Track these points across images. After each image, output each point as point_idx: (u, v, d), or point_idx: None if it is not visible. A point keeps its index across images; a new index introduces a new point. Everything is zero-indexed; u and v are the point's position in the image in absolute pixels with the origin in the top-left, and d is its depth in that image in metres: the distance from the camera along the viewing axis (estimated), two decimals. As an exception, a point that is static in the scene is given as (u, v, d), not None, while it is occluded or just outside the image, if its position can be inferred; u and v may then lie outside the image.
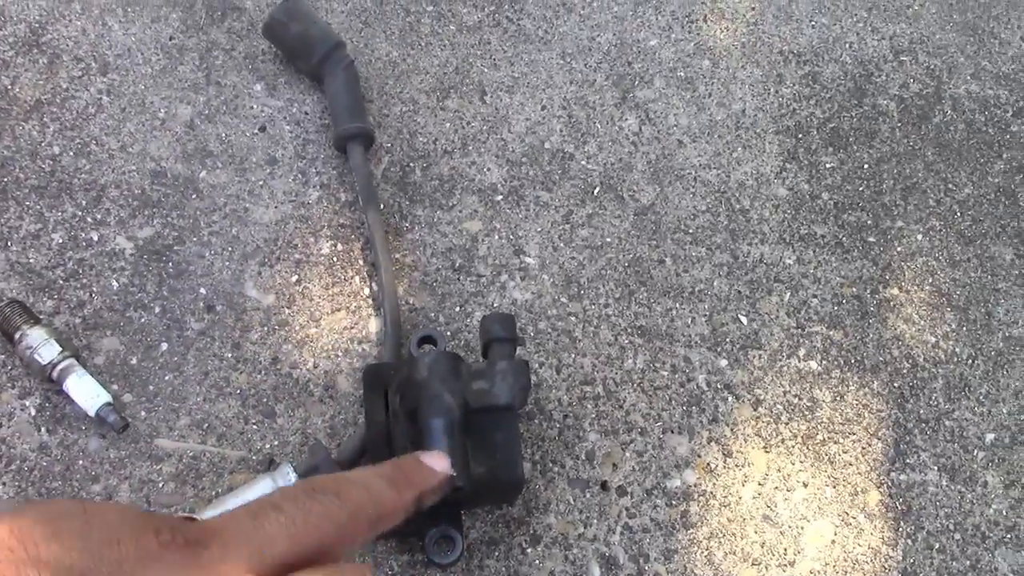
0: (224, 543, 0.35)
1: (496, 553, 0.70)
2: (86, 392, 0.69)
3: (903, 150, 0.93)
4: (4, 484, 0.68)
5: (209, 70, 0.88)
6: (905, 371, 0.81)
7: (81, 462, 0.70)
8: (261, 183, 0.83)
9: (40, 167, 0.80)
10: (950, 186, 0.91)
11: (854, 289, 0.84)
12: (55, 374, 0.70)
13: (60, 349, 0.70)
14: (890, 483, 0.76)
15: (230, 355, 0.75)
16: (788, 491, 0.75)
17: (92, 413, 0.69)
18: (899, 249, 0.87)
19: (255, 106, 0.87)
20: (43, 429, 0.70)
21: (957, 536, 0.75)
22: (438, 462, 0.55)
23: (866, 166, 0.91)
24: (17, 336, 0.70)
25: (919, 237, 0.88)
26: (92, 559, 0.32)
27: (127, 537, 0.33)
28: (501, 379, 0.66)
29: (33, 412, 0.71)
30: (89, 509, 0.34)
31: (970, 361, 0.82)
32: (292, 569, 0.37)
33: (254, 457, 0.71)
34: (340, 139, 0.82)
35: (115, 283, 0.77)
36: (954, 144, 0.94)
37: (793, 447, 0.77)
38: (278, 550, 0.37)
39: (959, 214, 0.90)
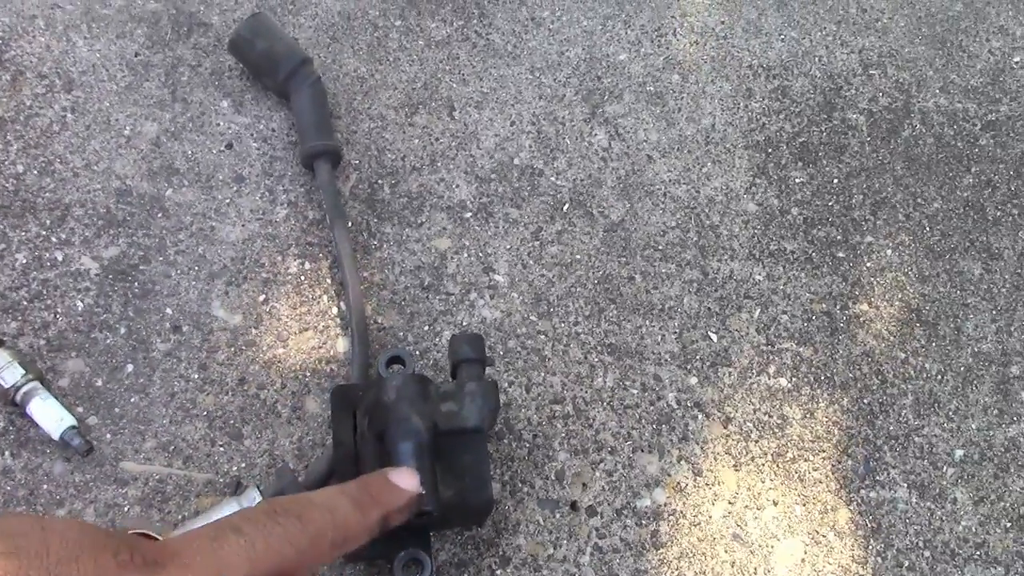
0: (183, 565, 0.35)
1: (465, 575, 0.69)
2: (50, 415, 0.68)
3: (872, 164, 0.93)
4: (-35, 510, 0.67)
5: (175, 86, 0.87)
6: (875, 387, 0.81)
7: (46, 486, 0.69)
8: (228, 201, 0.82)
9: (3, 186, 0.79)
10: (919, 200, 0.92)
11: (824, 305, 0.84)
12: (18, 397, 0.69)
13: (23, 372, 0.69)
14: (860, 500, 0.76)
15: (197, 376, 0.74)
16: (758, 510, 0.75)
17: (56, 436, 0.68)
18: (869, 264, 0.87)
19: (222, 123, 0.86)
20: (6, 453, 0.69)
21: (927, 553, 0.75)
22: (406, 480, 0.55)
23: (836, 181, 0.92)
24: (-22, 360, 0.69)
25: (888, 252, 0.88)
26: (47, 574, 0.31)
27: (85, 556, 0.32)
28: (470, 401, 0.65)
29: (-5, 437, 0.70)
30: (47, 526, 0.33)
31: (939, 377, 0.83)
32: None
33: (221, 480, 0.71)
34: (307, 156, 0.82)
35: (80, 304, 0.76)
36: (923, 158, 0.94)
37: (763, 465, 0.77)
38: (238, 574, 0.36)
39: (928, 229, 0.90)
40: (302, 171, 0.84)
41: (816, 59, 1.00)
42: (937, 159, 0.95)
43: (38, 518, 0.34)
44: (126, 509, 0.69)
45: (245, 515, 0.41)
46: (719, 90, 0.96)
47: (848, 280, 0.86)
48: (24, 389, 0.69)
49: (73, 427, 0.68)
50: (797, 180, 0.91)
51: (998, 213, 0.92)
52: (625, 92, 0.94)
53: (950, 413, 0.81)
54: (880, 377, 0.82)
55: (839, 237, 0.88)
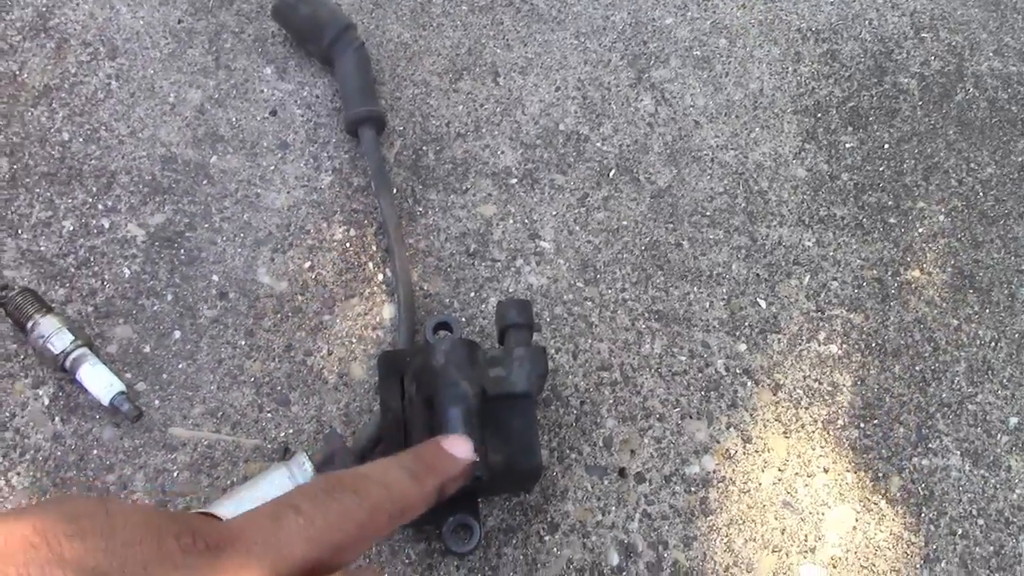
0: (244, 547, 0.35)
1: (514, 541, 0.69)
2: (99, 381, 0.69)
3: (924, 129, 0.91)
4: (19, 474, 0.68)
5: (219, 53, 0.87)
6: (927, 354, 0.80)
7: (95, 451, 0.69)
8: (272, 168, 0.82)
9: (50, 153, 0.80)
10: (972, 165, 0.90)
11: (875, 271, 0.83)
12: (68, 363, 0.69)
13: (72, 338, 0.69)
14: (912, 468, 0.75)
15: (243, 343, 0.74)
16: (808, 477, 0.74)
17: (106, 402, 0.68)
18: (920, 230, 0.86)
19: (265, 90, 0.85)
20: (57, 419, 0.70)
21: (980, 521, 0.73)
22: (460, 448, 0.54)
23: (886, 146, 0.90)
24: (29, 325, 0.69)
25: (941, 218, 0.87)
26: (115, 560, 0.31)
27: (149, 539, 0.32)
28: (518, 366, 0.65)
29: (47, 401, 0.70)
30: (112, 509, 0.33)
31: (993, 344, 0.81)
32: (312, 570, 0.37)
33: (269, 445, 0.71)
34: (351, 123, 0.81)
35: (127, 271, 0.76)
36: (976, 122, 0.92)
37: (813, 432, 0.76)
38: (298, 553, 0.36)
39: (981, 194, 0.88)
40: (346, 138, 0.84)
41: (866, 22, 0.98)
42: (991, 123, 0.93)
43: (103, 500, 0.34)
44: (175, 474, 0.69)
45: (303, 492, 0.41)
46: (767, 54, 0.94)
47: (899, 246, 0.85)
48: (73, 355, 0.69)
49: (122, 393, 0.69)
50: (847, 145, 0.90)
51: (1054, 178, 0.90)
52: (671, 57, 0.93)
53: (1004, 380, 0.79)
54: (932, 344, 0.80)
55: (890, 203, 0.87)
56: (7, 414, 0.69)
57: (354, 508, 0.40)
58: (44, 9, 0.86)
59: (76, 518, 0.32)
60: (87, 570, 0.30)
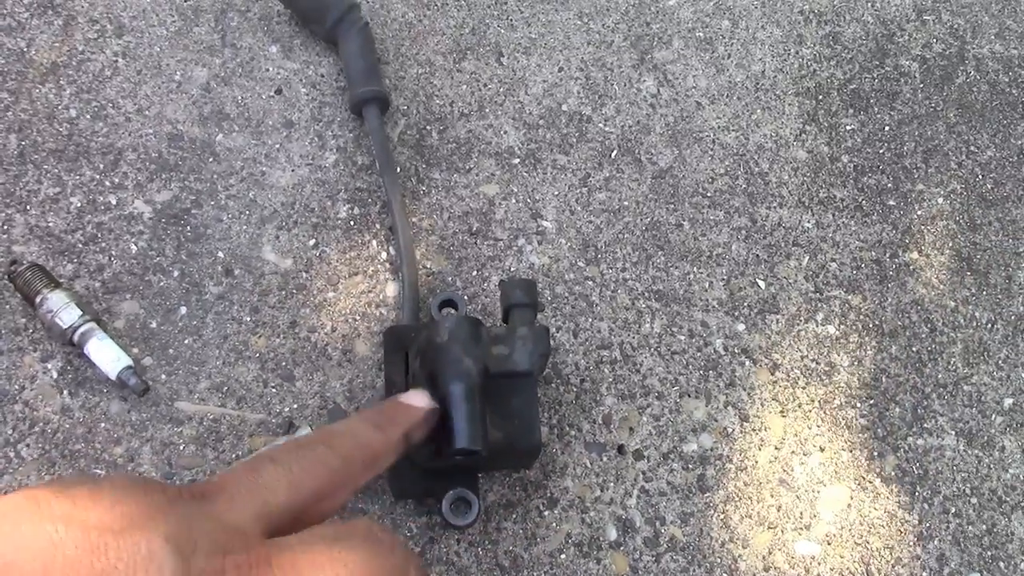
0: (229, 496, 0.38)
1: (513, 516, 0.70)
2: (107, 355, 0.70)
3: (925, 112, 0.92)
4: (28, 446, 0.69)
5: (224, 32, 0.87)
6: (924, 335, 0.81)
7: (103, 425, 0.70)
8: (278, 146, 0.83)
9: (57, 130, 0.80)
10: (972, 148, 0.90)
11: (873, 253, 0.84)
12: (76, 337, 0.70)
13: (81, 313, 0.70)
14: (907, 447, 0.76)
15: (249, 319, 0.75)
16: (805, 455, 0.75)
17: (113, 376, 0.69)
18: (919, 212, 0.86)
19: (271, 68, 0.86)
20: (65, 392, 0.71)
21: (973, 500, 0.75)
22: (418, 399, 0.58)
23: (887, 128, 0.91)
24: (38, 300, 0.70)
25: (940, 200, 0.87)
26: (105, 515, 0.33)
27: (136, 495, 0.34)
28: (521, 345, 0.66)
29: (55, 375, 0.71)
30: (98, 478, 0.35)
31: (989, 326, 0.82)
32: (297, 515, 0.40)
33: (273, 420, 0.72)
34: (356, 103, 0.82)
35: (134, 247, 0.77)
36: (977, 105, 0.93)
37: (810, 411, 0.77)
38: (280, 498, 0.39)
39: (981, 177, 0.89)
40: (351, 117, 0.84)
41: (869, 4, 0.98)
42: (991, 106, 0.93)
43: (88, 477, 0.36)
44: (181, 448, 0.70)
45: (278, 447, 0.44)
46: (769, 36, 0.95)
47: (898, 228, 0.85)
48: (81, 329, 0.70)
49: (129, 367, 0.70)
50: (848, 127, 0.90)
51: (1053, 161, 0.90)
52: (674, 38, 0.93)
53: (1000, 362, 0.80)
54: (929, 325, 0.81)
55: (890, 185, 0.88)
56: (16, 387, 0.70)
57: (326, 455, 0.44)
58: (51, -14, 0.87)
59: (66, 485, 0.34)
60: (77, 523, 0.32)
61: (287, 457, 0.42)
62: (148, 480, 0.36)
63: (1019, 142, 0.91)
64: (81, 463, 0.69)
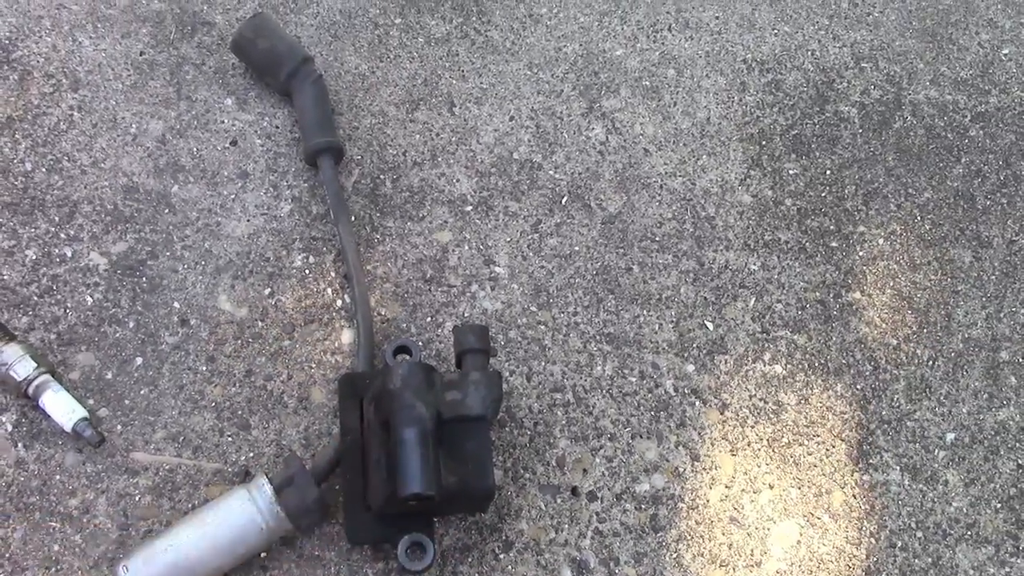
0: None
1: (469, 559, 0.71)
2: (62, 407, 0.70)
3: (864, 156, 0.95)
4: (-19, 500, 0.69)
5: (180, 85, 0.89)
6: (868, 373, 0.83)
7: (58, 477, 0.70)
8: (233, 197, 0.84)
9: (13, 184, 0.81)
10: (910, 191, 0.93)
11: (817, 294, 0.86)
12: (31, 390, 0.70)
13: (35, 365, 0.71)
14: (854, 483, 0.78)
15: (204, 368, 0.76)
16: (755, 493, 0.76)
17: (68, 428, 0.70)
18: (861, 253, 0.89)
19: (226, 120, 0.87)
20: (20, 445, 0.71)
21: (919, 534, 0.76)
22: None
23: (828, 172, 0.93)
24: (-8, 353, 0.70)
25: (880, 241, 0.90)
26: None
27: None
28: (474, 390, 0.67)
29: (10, 428, 0.71)
30: None
31: (931, 363, 0.84)
32: None
33: (230, 469, 0.72)
34: (310, 153, 0.83)
35: (89, 298, 0.77)
36: (914, 149, 0.96)
37: (759, 450, 0.78)
38: None
39: (919, 218, 0.92)
40: (306, 167, 0.86)
41: (809, 53, 1.02)
42: (928, 150, 0.96)
43: None
44: (137, 499, 0.70)
45: None
46: (713, 84, 0.98)
47: (841, 269, 0.88)
48: (36, 382, 0.70)
49: (85, 419, 0.70)
50: (791, 171, 0.93)
51: (988, 202, 0.93)
52: (622, 87, 0.96)
53: (941, 398, 0.83)
54: (873, 363, 0.84)
55: (832, 227, 0.90)
56: (-30, 441, 0.71)
57: None
58: (7, 42, 0.88)
59: None
60: None
61: None
62: None
63: (955, 184, 0.94)
64: (36, 516, 0.69)
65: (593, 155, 0.91)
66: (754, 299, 0.85)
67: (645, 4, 1.02)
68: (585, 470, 0.76)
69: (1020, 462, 0.80)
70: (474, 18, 0.98)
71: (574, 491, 0.75)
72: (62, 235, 0.80)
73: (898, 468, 0.79)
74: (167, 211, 0.82)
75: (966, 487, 0.79)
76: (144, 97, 0.88)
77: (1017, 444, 0.81)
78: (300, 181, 0.85)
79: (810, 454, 0.79)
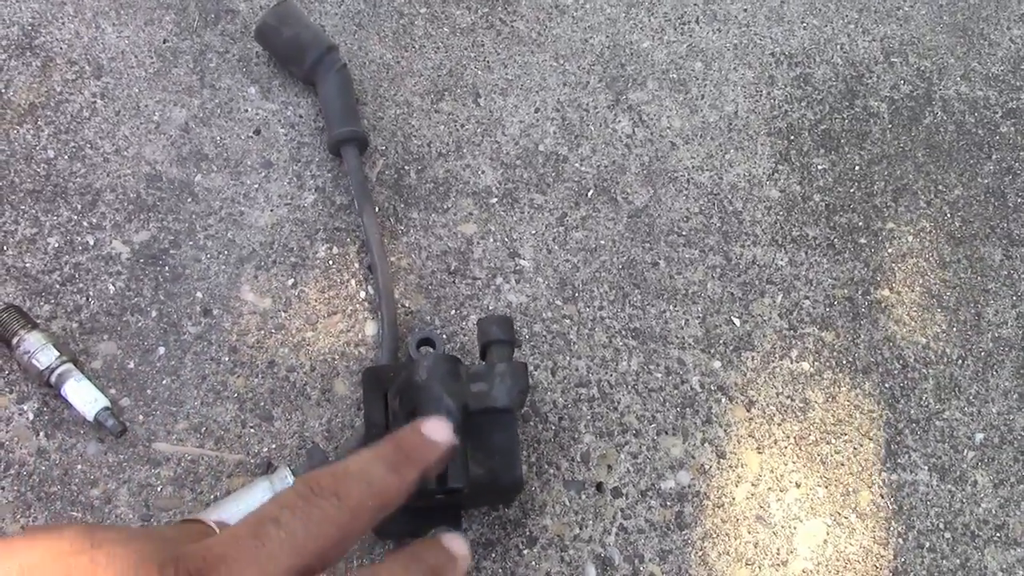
0: (229, 570, 0.35)
1: (493, 554, 0.70)
2: (84, 396, 0.70)
3: (894, 151, 0.94)
4: (3, 489, 0.68)
5: (203, 73, 0.88)
6: (896, 372, 0.82)
7: (80, 466, 0.70)
8: (256, 186, 0.83)
9: (35, 171, 0.80)
10: (940, 187, 0.92)
11: (846, 291, 0.85)
12: (53, 379, 0.70)
13: (58, 354, 0.70)
14: (881, 483, 0.77)
15: (227, 359, 0.75)
16: (781, 491, 0.76)
17: (90, 417, 0.69)
18: (890, 250, 0.88)
19: (249, 109, 0.87)
20: (41, 434, 0.71)
21: (947, 535, 0.75)
22: (440, 432, 0.54)
23: (857, 168, 0.92)
24: (14, 341, 0.70)
25: (910, 238, 0.89)
26: None
27: (135, 572, 0.33)
28: (500, 381, 0.66)
29: (31, 417, 0.71)
30: (96, 541, 0.34)
31: (960, 361, 0.83)
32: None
33: (252, 460, 0.72)
34: (334, 143, 0.83)
35: (111, 287, 0.77)
36: (944, 145, 0.95)
37: (786, 448, 0.77)
38: (283, 566, 0.37)
39: (949, 215, 0.91)
40: (329, 157, 0.85)
41: (838, 47, 1.01)
42: (958, 146, 0.95)
43: (88, 532, 0.34)
44: (159, 489, 0.70)
45: (282, 502, 0.40)
46: (741, 77, 0.97)
47: (870, 266, 0.87)
48: (58, 371, 0.70)
49: (106, 408, 0.70)
50: (819, 167, 0.92)
51: (1019, 200, 0.92)
52: (648, 79, 0.95)
53: (971, 397, 0.82)
54: (901, 362, 0.83)
55: (861, 223, 0.89)
56: (-8, 429, 0.70)
57: (335, 512, 0.40)
58: (30, 28, 0.87)
59: (62, 556, 0.33)
60: None
61: (291, 519, 0.38)
62: (147, 547, 0.35)
63: (985, 181, 0.93)
64: (57, 505, 0.68)
65: (619, 148, 0.90)
66: (781, 295, 0.84)
67: (672, -4, 1.01)
68: (610, 466, 0.75)
69: (1051, 464, 0.79)
70: (500, 8, 0.97)
71: (599, 487, 0.74)
72: (84, 223, 0.79)
73: (926, 468, 0.78)
74: (190, 200, 0.82)
75: (995, 488, 0.78)
76: (167, 85, 0.87)
77: (1048, 445, 0.80)
78: (324, 171, 0.85)
79: (837, 452, 0.78)
